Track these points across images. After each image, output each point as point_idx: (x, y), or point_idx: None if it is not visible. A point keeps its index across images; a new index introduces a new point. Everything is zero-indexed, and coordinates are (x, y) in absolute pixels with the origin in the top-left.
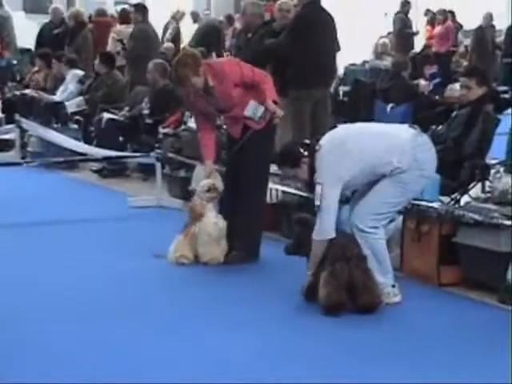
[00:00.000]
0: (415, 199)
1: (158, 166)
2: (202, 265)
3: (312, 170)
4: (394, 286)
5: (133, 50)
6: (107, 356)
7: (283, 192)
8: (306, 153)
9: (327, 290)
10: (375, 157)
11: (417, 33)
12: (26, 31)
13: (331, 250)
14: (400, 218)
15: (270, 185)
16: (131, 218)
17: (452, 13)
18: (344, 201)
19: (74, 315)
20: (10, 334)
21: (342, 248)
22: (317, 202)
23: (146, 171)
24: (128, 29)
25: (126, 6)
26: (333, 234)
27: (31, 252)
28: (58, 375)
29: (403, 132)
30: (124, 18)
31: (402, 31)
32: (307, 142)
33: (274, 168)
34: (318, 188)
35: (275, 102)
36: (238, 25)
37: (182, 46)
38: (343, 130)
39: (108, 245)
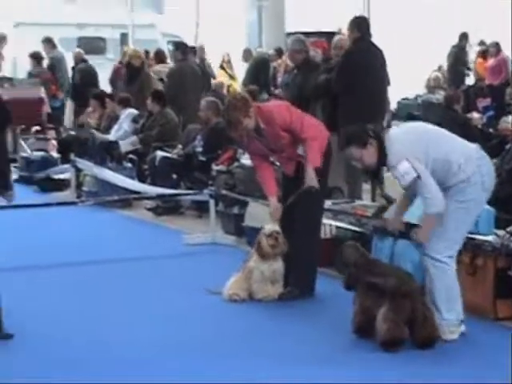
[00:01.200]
0: (470, 233)
1: (212, 203)
2: (257, 301)
3: (380, 155)
4: (451, 325)
5: (168, 89)
6: None
7: (337, 227)
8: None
9: (387, 326)
10: (447, 152)
11: (470, 69)
12: None
13: (388, 283)
14: None
15: (324, 220)
16: (186, 255)
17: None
18: (398, 235)
19: (132, 352)
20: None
21: (401, 281)
22: (411, 176)
23: (200, 208)
24: (165, 68)
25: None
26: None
27: (87, 290)
28: None
29: (468, 143)
30: (160, 57)
31: (456, 68)
32: (372, 126)
33: (328, 203)
34: (404, 163)
35: (317, 169)
36: (288, 61)
37: (234, 83)
38: (410, 124)
39: (163, 282)
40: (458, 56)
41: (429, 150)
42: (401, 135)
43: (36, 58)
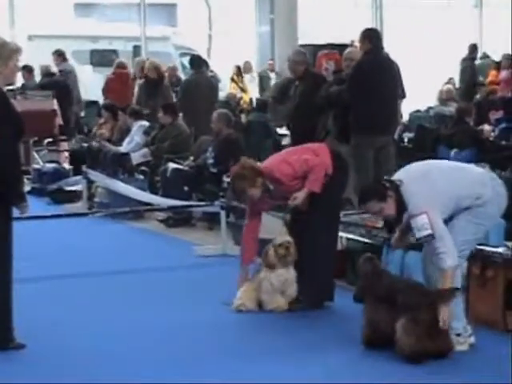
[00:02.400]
0: (480, 244)
1: (223, 214)
2: (268, 312)
3: (399, 205)
4: (459, 335)
5: (182, 100)
6: None
7: (348, 239)
8: (390, 187)
9: (411, 339)
10: (461, 187)
11: (484, 84)
12: (93, 84)
13: (401, 295)
14: (465, 264)
15: None
16: (197, 267)
17: None
18: (409, 247)
19: (140, 364)
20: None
21: (419, 293)
22: (426, 232)
23: (211, 220)
24: None
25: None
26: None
27: (98, 301)
28: None
29: (475, 168)
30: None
31: (470, 81)
32: (387, 179)
33: None
34: (423, 217)
35: (313, 193)
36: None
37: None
38: (417, 165)
39: (173, 294)
40: (472, 70)
41: (444, 192)
42: (416, 186)
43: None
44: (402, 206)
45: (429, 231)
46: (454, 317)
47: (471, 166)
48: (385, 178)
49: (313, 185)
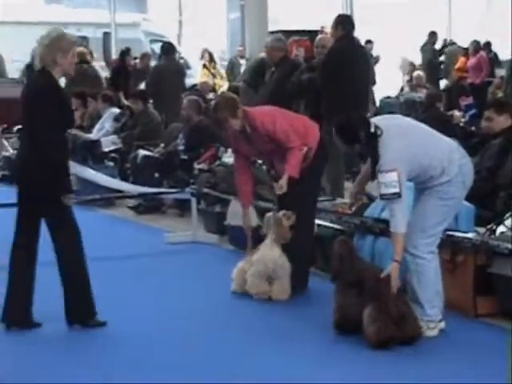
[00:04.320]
0: (450, 230)
1: (194, 201)
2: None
3: (365, 151)
4: (431, 321)
5: (151, 86)
6: None
7: (318, 225)
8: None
9: (377, 326)
10: (432, 157)
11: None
12: None
13: (369, 282)
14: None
15: None
16: (167, 254)
17: (488, 44)
18: (379, 234)
19: (113, 351)
20: None
21: (383, 279)
22: (393, 190)
23: (182, 207)
24: None
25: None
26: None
27: None
28: None
29: (449, 141)
30: None
31: (431, 62)
32: (367, 117)
33: None
34: (393, 174)
35: (292, 178)
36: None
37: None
38: (398, 121)
39: (144, 281)
40: (432, 53)
41: (417, 153)
42: (396, 141)
43: None
44: (373, 157)
45: (396, 189)
46: (428, 303)
47: (446, 139)
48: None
49: (292, 170)
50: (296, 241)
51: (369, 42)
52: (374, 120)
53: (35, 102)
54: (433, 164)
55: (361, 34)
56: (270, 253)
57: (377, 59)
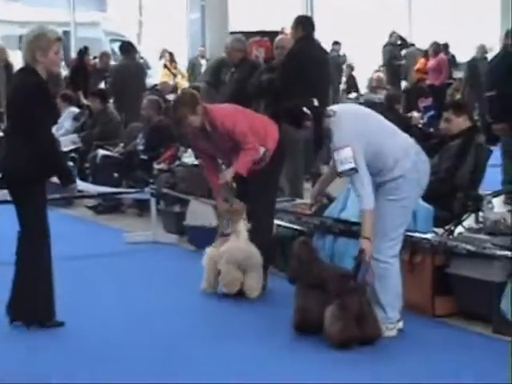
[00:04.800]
0: (408, 231)
1: (153, 201)
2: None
3: (317, 134)
4: (390, 323)
5: (112, 86)
6: None
7: (278, 226)
8: (310, 113)
9: (340, 326)
10: (387, 146)
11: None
12: None
13: (331, 283)
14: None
15: None
16: (126, 253)
17: (446, 45)
18: (339, 233)
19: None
20: None
21: (344, 280)
22: (349, 165)
23: (141, 207)
24: None
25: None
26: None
27: None
28: None
29: (406, 137)
30: None
31: (391, 63)
32: (315, 103)
33: None
34: (347, 150)
35: (238, 175)
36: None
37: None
38: (359, 107)
39: (103, 281)
40: (391, 53)
41: (371, 140)
42: (350, 120)
43: None
44: (317, 137)
45: (352, 165)
46: (390, 306)
47: (404, 136)
48: (313, 102)
49: (240, 167)
50: (255, 240)
51: (336, 43)
52: (332, 106)
53: (26, 100)
54: (385, 152)
55: (327, 35)
56: (238, 244)
57: (344, 59)
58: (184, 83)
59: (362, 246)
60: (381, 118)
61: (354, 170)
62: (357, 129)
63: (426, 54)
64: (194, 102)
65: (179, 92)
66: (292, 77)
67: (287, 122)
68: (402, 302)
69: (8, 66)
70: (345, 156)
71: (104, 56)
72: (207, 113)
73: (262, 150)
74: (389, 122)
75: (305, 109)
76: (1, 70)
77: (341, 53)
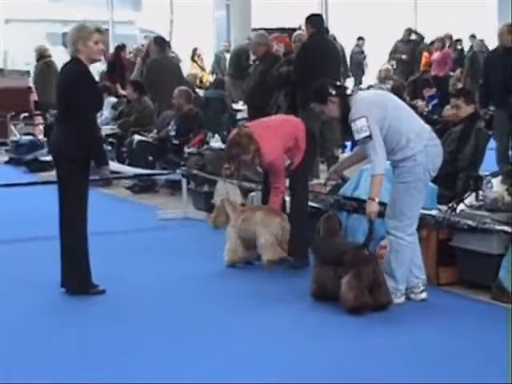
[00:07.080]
0: None
1: (184, 181)
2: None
3: (342, 110)
4: (401, 293)
5: (147, 78)
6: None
7: None
8: (334, 92)
9: (354, 293)
10: (402, 123)
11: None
12: None
13: (348, 253)
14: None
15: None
16: (160, 228)
17: (459, 40)
18: (352, 210)
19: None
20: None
21: (359, 251)
22: (364, 134)
23: (173, 187)
24: None
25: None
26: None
27: None
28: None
29: (423, 123)
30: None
31: (393, 56)
32: (340, 84)
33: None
34: (363, 120)
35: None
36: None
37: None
38: (382, 92)
39: (140, 254)
40: (395, 47)
41: (388, 115)
42: (366, 96)
43: None
44: (344, 111)
45: (367, 133)
46: (401, 278)
47: (420, 121)
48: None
49: (275, 206)
50: (295, 220)
51: (360, 38)
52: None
53: (72, 88)
54: (401, 129)
55: (335, 30)
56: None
57: (364, 55)
58: (207, 77)
59: (368, 206)
60: (400, 101)
61: (369, 137)
62: (373, 102)
63: (429, 48)
64: (248, 143)
65: (236, 129)
66: (304, 68)
67: (313, 99)
68: (425, 274)
69: (50, 62)
70: (360, 126)
71: (138, 51)
72: (259, 152)
73: (287, 162)
74: (406, 106)
75: (329, 87)
76: (45, 66)
77: (364, 48)
